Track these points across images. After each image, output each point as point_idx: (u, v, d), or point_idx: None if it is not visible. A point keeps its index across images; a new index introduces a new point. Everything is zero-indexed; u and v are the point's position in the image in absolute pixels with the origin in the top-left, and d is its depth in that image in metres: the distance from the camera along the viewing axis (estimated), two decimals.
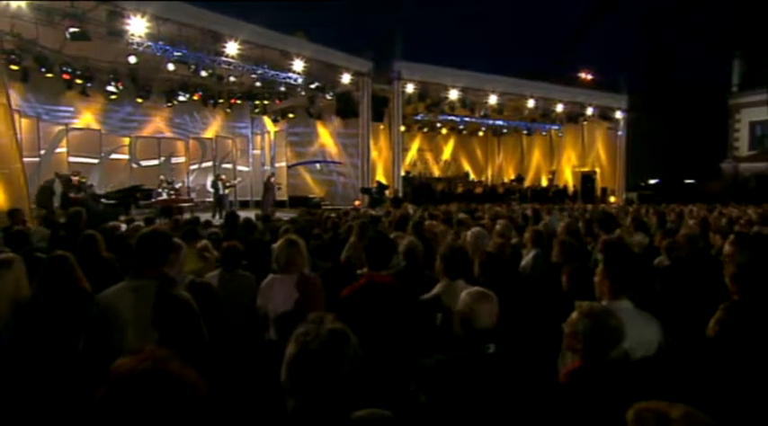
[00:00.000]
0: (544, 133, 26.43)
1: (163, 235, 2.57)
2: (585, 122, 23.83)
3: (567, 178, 26.15)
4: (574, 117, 23.30)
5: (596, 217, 5.31)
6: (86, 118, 17.00)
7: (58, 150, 15.53)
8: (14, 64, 13.16)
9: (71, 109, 16.53)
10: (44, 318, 2.51)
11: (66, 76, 14.35)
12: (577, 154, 25.81)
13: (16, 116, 13.16)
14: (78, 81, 14.85)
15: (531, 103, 21.51)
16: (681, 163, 30.54)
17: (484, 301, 2.10)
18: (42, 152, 14.88)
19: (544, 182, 27.15)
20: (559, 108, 22.31)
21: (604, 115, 22.92)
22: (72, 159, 15.73)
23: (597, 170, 25.14)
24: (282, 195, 17.59)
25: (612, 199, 23.54)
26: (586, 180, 25.30)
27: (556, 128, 25.35)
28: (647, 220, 6.60)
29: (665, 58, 37.52)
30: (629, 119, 23.47)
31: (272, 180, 15.83)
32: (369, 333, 2.65)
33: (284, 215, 13.41)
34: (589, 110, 22.60)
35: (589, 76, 31.73)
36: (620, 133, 23.62)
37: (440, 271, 2.85)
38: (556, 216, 8.14)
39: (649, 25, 41.60)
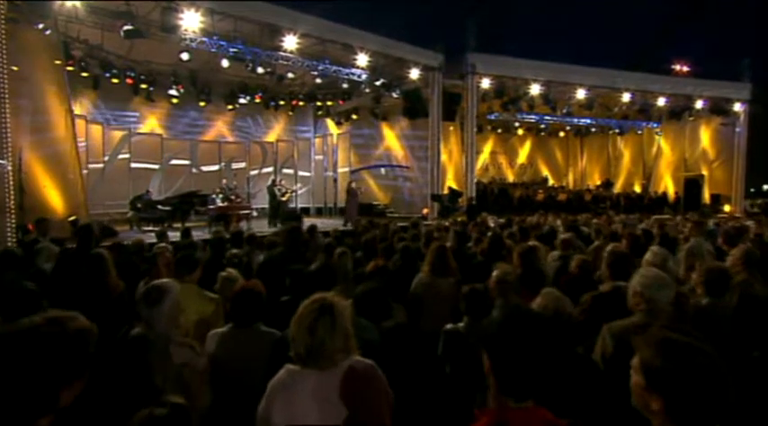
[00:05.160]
0: (639, 132, 23.21)
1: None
2: (691, 118, 20.41)
3: (667, 183, 22.69)
4: (677, 112, 20.05)
5: None
6: (151, 123, 16.84)
7: (121, 156, 15.33)
8: (84, 71, 13.09)
9: (137, 114, 16.43)
10: None
11: (129, 81, 14.17)
12: (679, 155, 22.28)
13: (82, 122, 13.04)
14: (143, 86, 14.70)
15: (626, 97, 18.67)
16: None
17: None
18: (106, 158, 14.70)
19: (637, 188, 23.90)
20: (661, 101, 19.19)
21: (717, 108, 19.33)
22: (134, 165, 15.50)
23: (704, 173, 21.48)
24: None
25: (727, 208, 19.87)
26: (691, 185, 21.74)
27: (654, 125, 22.08)
28: None
29: None
30: (751, 113, 19.58)
31: (353, 185, 14.92)
32: None
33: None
34: (698, 103, 19.21)
35: (685, 68, 27.80)
36: (738, 130, 19.84)
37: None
38: (712, 232, 5.87)
39: None
